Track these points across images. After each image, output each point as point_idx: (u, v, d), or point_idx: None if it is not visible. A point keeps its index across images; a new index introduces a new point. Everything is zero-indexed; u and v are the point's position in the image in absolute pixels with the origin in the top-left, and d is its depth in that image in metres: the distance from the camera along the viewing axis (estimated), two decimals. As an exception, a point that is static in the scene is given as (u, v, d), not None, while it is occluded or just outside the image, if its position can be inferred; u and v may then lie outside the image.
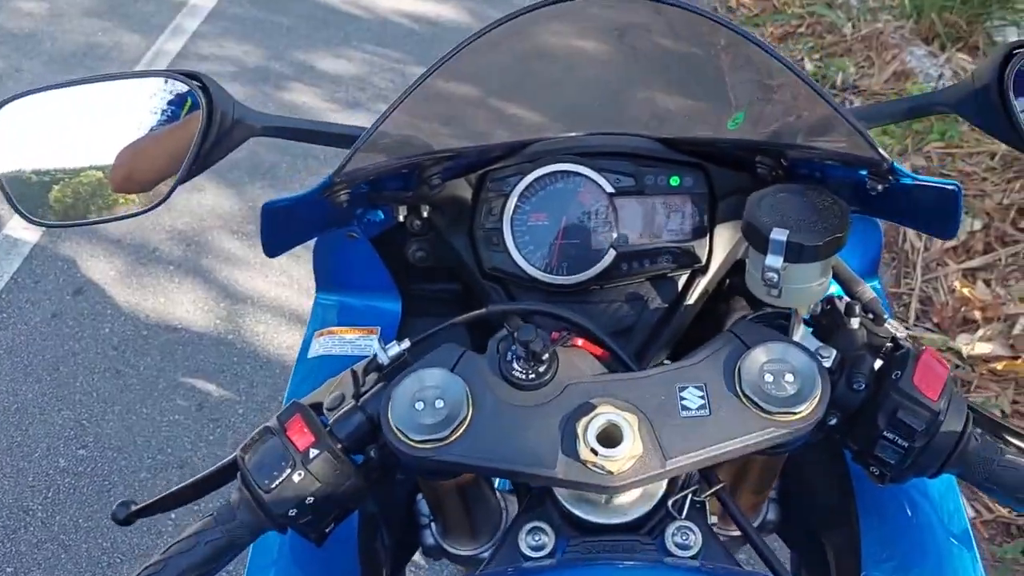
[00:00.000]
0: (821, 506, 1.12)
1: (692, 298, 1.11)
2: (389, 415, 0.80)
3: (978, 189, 2.95)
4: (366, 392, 0.88)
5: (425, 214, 1.10)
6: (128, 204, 0.99)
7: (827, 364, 0.86)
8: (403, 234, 1.13)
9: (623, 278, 1.10)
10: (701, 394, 0.81)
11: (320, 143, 1.06)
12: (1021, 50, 0.93)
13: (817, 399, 0.80)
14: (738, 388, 0.80)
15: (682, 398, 0.81)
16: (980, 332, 2.42)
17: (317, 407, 0.89)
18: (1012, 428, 0.91)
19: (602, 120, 1.12)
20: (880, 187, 0.84)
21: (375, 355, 0.90)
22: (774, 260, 0.83)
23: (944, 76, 3.50)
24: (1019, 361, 2.32)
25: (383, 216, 1.09)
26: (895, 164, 0.80)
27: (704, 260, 1.10)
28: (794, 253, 0.82)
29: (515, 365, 0.83)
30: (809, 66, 3.91)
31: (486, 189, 1.10)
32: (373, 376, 0.90)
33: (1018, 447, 0.88)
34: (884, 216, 0.92)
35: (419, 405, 0.80)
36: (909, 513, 1.00)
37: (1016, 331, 2.41)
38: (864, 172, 0.86)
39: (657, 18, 0.93)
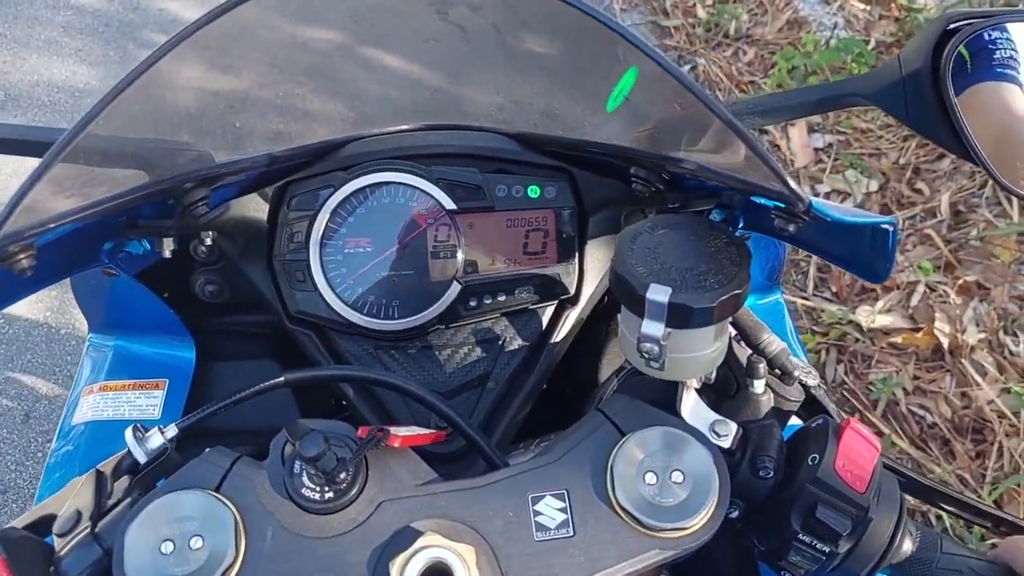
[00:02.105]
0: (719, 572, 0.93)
1: (560, 334, 0.89)
2: (124, 563, 0.56)
3: (874, 147, 2.83)
4: (109, 510, 0.63)
5: (210, 240, 0.83)
6: None
7: (725, 443, 0.67)
8: (187, 263, 0.87)
9: (473, 316, 0.87)
10: (562, 506, 0.61)
11: (25, 153, 0.77)
12: (962, 23, 0.72)
13: (713, 506, 0.61)
14: (610, 496, 0.61)
15: (536, 512, 0.61)
16: (880, 303, 2.31)
17: (50, 523, 0.64)
18: (947, 493, 0.75)
19: (437, 111, 0.87)
20: (791, 227, 0.62)
21: (128, 449, 0.66)
22: (653, 327, 0.61)
23: (838, 25, 3.36)
24: (919, 334, 2.22)
25: (148, 247, 0.81)
26: (814, 203, 0.58)
27: (573, 289, 0.87)
28: (679, 318, 0.61)
29: (305, 481, 0.60)
30: (702, 13, 3.71)
31: (286, 206, 0.84)
32: (125, 481, 0.66)
33: (958, 515, 0.74)
34: (796, 246, 0.72)
35: (166, 546, 0.57)
36: None
37: (914, 301, 2.30)
38: (770, 202, 0.64)
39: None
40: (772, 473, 0.65)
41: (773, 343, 0.74)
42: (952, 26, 0.72)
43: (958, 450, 1.99)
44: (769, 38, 3.47)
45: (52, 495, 0.66)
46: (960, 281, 2.28)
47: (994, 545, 0.70)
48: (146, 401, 0.91)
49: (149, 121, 0.70)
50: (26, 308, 2.52)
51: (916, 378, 2.15)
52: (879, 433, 2.03)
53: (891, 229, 0.59)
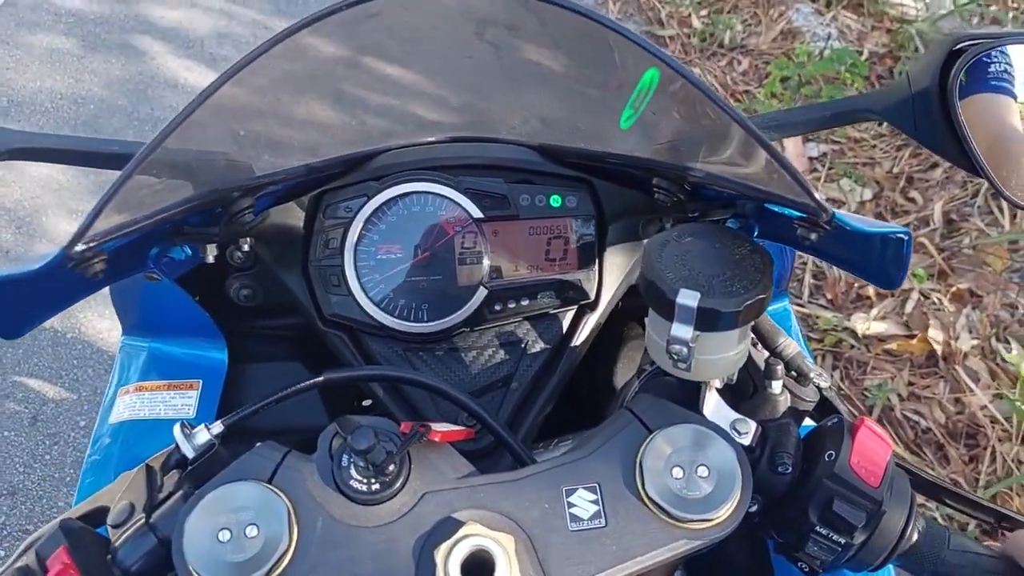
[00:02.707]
0: (735, 569, 0.97)
1: (580, 338, 0.92)
2: (184, 551, 0.59)
3: (867, 157, 2.88)
4: (162, 502, 0.67)
5: (247, 246, 0.87)
6: None
7: (745, 441, 0.71)
8: (222, 268, 0.90)
9: (497, 320, 0.91)
10: (594, 498, 0.65)
11: (93, 165, 0.81)
12: (968, 44, 0.76)
13: (737, 499, 0.64)
14: (640, 489, 0.64)
15: (570, 504, 0.64)
16: (874, 310, 2.36)
17: (101, 515, 0.67)
18: (952, 490, 0.78)
19: (465, 124, 0.91)
20: (813, 236, 0.66)
21: (176, 444, 0.69)
22: (682, 330, 0.65)
23: (832, 36, 3.42)
24: (913, 340, 2.26)
25: (190, 252, 0.85)
26: (837, 214, 0.62)
27: (593, 294, 0.91)
28: (707, 321, 0.64)
29: (353, 473, 0.63)
30: (697, 23, 3.77)
31: (322, 214, 0.87)
32: (174, 475, 0.69)
33: (963, 512, 0.76)
34: (810, 254, 0.76)
35: (224, 535, 0.60)
36: None
37: (908, 308, 2.35)
38: (792, 212, 0.68)
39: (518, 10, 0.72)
40: (790, 469, 0.69)
41: (789, 346, 0.78)
42: (959, 47, 0.76)
43: (952, 455, 2.03)
44: (763, 48, 3.52)
45: (101, 489, 0.70)
46: (953, 289, 2.34)
47: (989, 534, 0.73)
48: (181, 401, 0.94)
49: (198, 136, 0.73)
50: (32, 312, 2.54)
51: (910, 384, 2.20)
52: (875, 437, 2.07)
53: (906, 238, 0.63)
